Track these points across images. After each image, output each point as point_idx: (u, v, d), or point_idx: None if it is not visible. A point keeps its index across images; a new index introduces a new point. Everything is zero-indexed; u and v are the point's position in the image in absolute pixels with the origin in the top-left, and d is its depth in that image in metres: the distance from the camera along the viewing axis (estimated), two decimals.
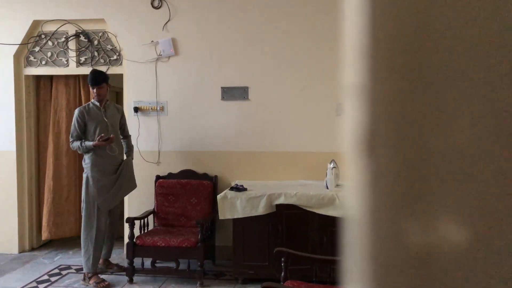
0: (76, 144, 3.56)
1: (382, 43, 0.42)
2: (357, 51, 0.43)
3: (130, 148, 3.99)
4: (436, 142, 0.41)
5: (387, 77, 0.42)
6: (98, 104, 3.67)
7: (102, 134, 3.53)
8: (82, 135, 3.61)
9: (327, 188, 3.62)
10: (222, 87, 4.25)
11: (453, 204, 0.41)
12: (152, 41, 4.28)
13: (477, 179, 0.41)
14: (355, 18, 0.43)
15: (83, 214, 3.63)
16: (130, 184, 3.87)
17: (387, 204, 0.42)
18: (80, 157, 3.84)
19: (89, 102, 3.74)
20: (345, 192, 0.50)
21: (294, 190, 3.55)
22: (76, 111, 3.64)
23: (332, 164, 3.65)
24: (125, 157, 3.92)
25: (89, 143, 3.53)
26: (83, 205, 3.62)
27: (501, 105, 0.40)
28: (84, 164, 3.65)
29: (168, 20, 4.27)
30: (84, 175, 3.63)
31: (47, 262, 4.25)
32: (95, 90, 3.62)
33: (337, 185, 3.64)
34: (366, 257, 0.43)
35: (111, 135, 3.55)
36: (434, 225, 0.41)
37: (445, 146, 0.41)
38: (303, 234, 3.50)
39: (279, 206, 3.48)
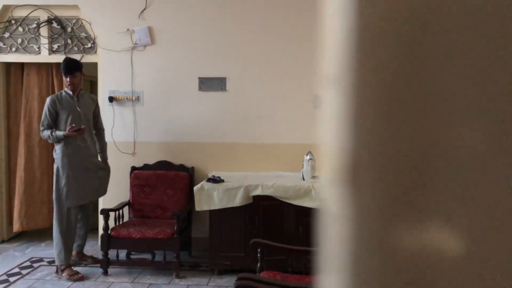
0: (47, 133, 3.48)
1: (369, 46, 0.38)
2: (341, 59, 0.40)
3: (103, 148, 3.84)
4: (429, 161, 0.37)
5: (374, 87, 0.38)
6: (71, 93, 3.58)
7: (73, 125, 3.45)
8: (53, 124, 3.53)
9: (304, 179, 3.64)
10: (199, 78, 4.21)
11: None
12: (128, 30, 4.19)
13: (476, 199, 0.37)
14: (337, 23, 0.40)
15: (54, 205, 3.55)
16: (102, 191, 3.83)
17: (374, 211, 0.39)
18: (54, 147, 3.74)
19: (62, 91, 3.65)
20: (322, 185, 0.48)
21: (271, 181, 3.56)
22: (48, 99, 3.54)
23: (308, 155, 3.67)
24: (99, 158, 3.83)
25: (59, 133, 3.45)
26: (54, 196, 3.54)
27: (502, 108, 0.37)
28: (54, 155, 3.57)
29: (145, 8, 4.18)
30: (55, 166, 3.55)
31: (18, 254, 4.15)
32: (68, 78, 3.52)
33: (313, 177, 3.67)
34: (349, 259, 0.40)
35: (82, 126, 3.48)
36: (425, 233, 0.38)
37: (440, 165, 0.37)
38: (279, 225, 3.53)
39: (256, 198, 3.48)
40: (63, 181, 3.50)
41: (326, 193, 0.45)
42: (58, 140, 3.49)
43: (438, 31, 0.37)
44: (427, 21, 0.37)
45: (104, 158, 3.85)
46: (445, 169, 0.38)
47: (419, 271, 0.38)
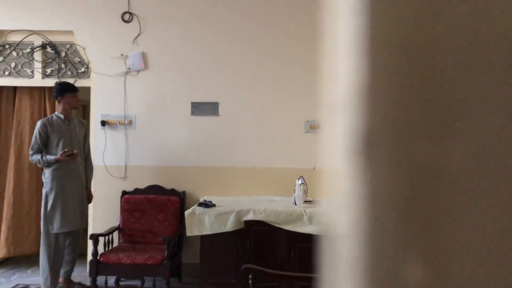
0: (36, 157, 3.44)
1: (381, 42, 0.38)
2: (354, 50, 0.39)
3: (89, 177, 3.78)
4: (442, 150, 0.35)
5: (386, 78, 0.37)
6: (62, 116, 3.58)
7: (66, 149, 3.43)
8: (44, 148, 3.50)
9: (295, 204, 3.63)
10: (192, 102, 4.24)
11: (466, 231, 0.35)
12: (122, 55, 4.23)
13: (493, 197, 0.35)
14: (350, 16, 0.39)
15: (42, 231, 3.49)
16: (86, 219, 3.82)
17: (389, 244, 0.37)
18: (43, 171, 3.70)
19: (53, 114, 3.64)
20: (326, 208, 0.45)
21: (263, 206, 3.54)
22: (39, 123, 3.53)
23: (300, 180, 3.67)
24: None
25: (50, 157, 3.42)
26: (42, 221, 3.48)
27: (508, 105, 0.36)
28: (44, 179, 3.52)
29: (138, 34, 4.24)
30: (44, 191, 3.50)
31: (4, 281, 4.04)
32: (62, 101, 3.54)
33: (305, 201, 3.66)
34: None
35: (75, 151, 3.46)
36: (442, 265, 0.35)
37: (453, 156, 0.35)
38: (271, 251, 3.49)
39: (247, 223, 3.46)
40: (51, 206, 3.45)
41: (331, 216, 0.43)
42: (49, 164, 3.46)
43: (445, 34, 0.37)
44: (435, 25, 0.37)
45: (87, 187, 3.79)
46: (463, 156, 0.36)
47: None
